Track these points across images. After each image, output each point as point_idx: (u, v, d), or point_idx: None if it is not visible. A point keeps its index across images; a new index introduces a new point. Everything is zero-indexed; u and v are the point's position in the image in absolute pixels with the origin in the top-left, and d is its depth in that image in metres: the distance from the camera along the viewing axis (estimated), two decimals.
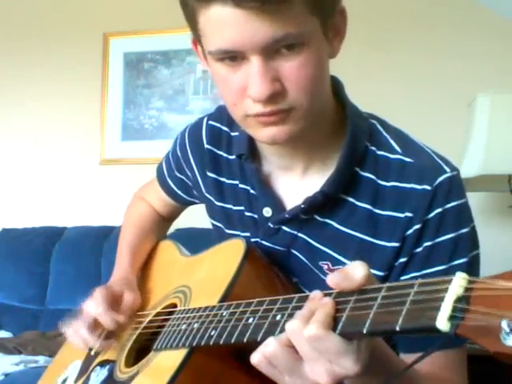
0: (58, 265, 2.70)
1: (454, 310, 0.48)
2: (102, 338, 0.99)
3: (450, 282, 0.50)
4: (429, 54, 2.67)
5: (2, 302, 2.69)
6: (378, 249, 0.80)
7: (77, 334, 0.96)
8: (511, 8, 2.54)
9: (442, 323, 0.48)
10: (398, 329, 0.51)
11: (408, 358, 0.76)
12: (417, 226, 0.78)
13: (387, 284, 0.56)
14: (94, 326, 0.96)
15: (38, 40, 3.08)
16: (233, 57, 0.72)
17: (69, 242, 2.74)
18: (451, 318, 0.48)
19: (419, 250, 0.79)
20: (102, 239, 2.65)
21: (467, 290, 0.48)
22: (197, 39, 0.78)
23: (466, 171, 2.16)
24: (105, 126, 2.99)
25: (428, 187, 0.78)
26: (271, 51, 0.70)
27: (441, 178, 0.79)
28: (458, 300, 0.48)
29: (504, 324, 0.43)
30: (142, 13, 2.95)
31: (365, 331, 0.54)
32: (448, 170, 0.80)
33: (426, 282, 0.52)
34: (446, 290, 0.49)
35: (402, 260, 0.80)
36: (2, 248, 2.77)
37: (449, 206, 0.78)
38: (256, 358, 0.61)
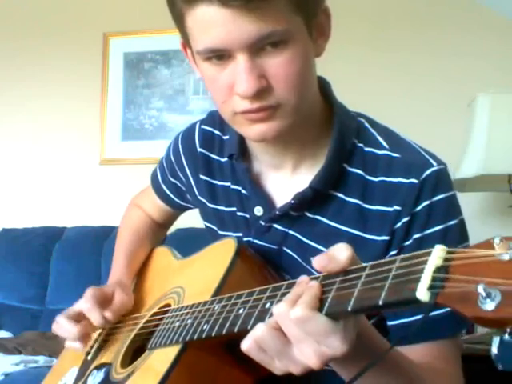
0: (58, 265, 2.70)
1: (434, 279, 0.49)
2: (95, 338, 1.01)
3: (429, 253, 0.51)
4: (429, 54, 2.67)
5: (2, 302, 2.69)
6: (369, 243, 0.81)
7: (61, 328, 0.99)
8: (511, 8, 2.54)
9: (422, 293, 0.49)
10: (380, 303, 0.52)
11: (406, 349, 0.77)
12: (405, 219, 0.79)
13: (371, 263, 0.57)
14: (78, 317, 0.98)
15: (38, 40, 3.08)
16: (220, 56, 0.74)
17: (69, 242, 2.74)
18: (431, 287, 0.49)
19: (409, 242, 0.80)
20: (102, 239, 2.65)
21: (446, 260, 0.49)
22: (185, 41, 0.80)
23: (466, 171, 2.16)
24: (105, 126, 2.99)
25: (415, 180, 0.79)
26: (257, 49, 0.72)
27: (427, 172, 0.80)
28: (438, 270, 0.49)
29: (480, 289, 0.44)
30: (142, 13, 2.95)
31: (349, 309, 0.55)
32: (435, 163, 0.81)
33: (408, 257, 0.53)
34: (425, 262, 0.50)
35: (392, 253, 0.81)
36: (2, 248, 2.77)
37: (436, 198, 0.80)
38: (246, 344, 0.61)
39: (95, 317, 0.97)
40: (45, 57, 3.07)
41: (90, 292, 1.00)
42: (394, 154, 0.83)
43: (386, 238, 0.81)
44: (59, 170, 3.03)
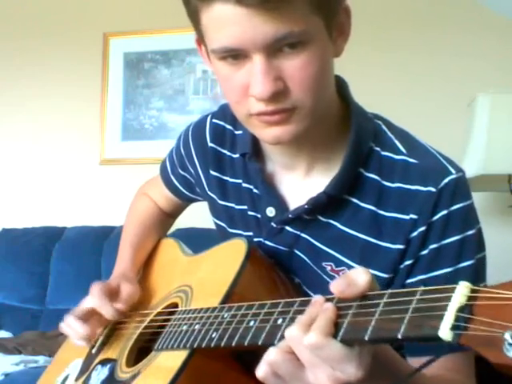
0: (58, 265, 2.70)
1: (457, 319, 0.47)
2: (100, 332, 1.00)
3: (453, 290, 0.49)
4: (429, 54, 2.67)
5: (2, 302, 2.69)
6: (382, 250, 0.80)
7: (70, 328, 0.97)
8: (511, 8, 2.54)
9: (445, 333, 0.47)
10: (399, 337, 0.51)
11: (415, 361, 0.76)
12: (422, 228, 0.77)
13: (390, 290, 0.56)
14: (86, 316, 0.97)
15: (38, 40, 3.08)
16: (235, 55, 0.71)
17: (69, 241, 2.73)
18: (454, 327, 0.47)
19: (425, 252, 0.78)
20: (102, 239, 2.65)
21: (470, 298, 0.48)
22: (200, 38, 0.77)
23: (466, 171, 2.14)
24: (105, 126, 2.99)
25: (433, 189, 0.77)
26: (274, 50, 0.70)
27: (446, 180, 0.78)
28: (461, 309, 0.48)
29: (507, 335, 0.43)
30: (142, 13, 2.95)
31: (366, 338, 0.54)
32: (453, 171, 0.79)
33: (429, 290, 0.52)
34: (449, 299, 0.49)
35: (408, 262, 0.79)
36: (2, 248, 2.77)
37: (454, 207, 0.77)
38: (262, 371, 0.60)
39: (107, 310, 0.96)
40: (45, 57, 3.07)
41: (96, 287, 0.98)
42: (412, 160, 0.80)
43: (401, 246, 0.79)
44: (59, 169, 3.03)
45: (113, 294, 0.99)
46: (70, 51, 3.04)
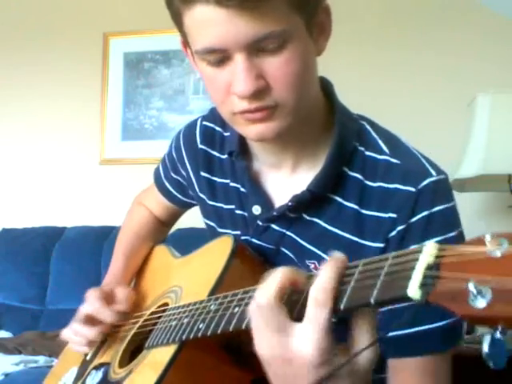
0: (58, 265, 2.70)
1: (425, 277, 0.48)
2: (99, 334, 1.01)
3: (421, 250, 0.50)
4: (429, 54, 2.67)
5: (2, 302, 2.69)
6: (365, 249, 0.80)
7: (77, 334, 0.98)
8: (511, 8, 2.54)
9: (413, 291, 0.48)
10: (372, 301, 0.52)
11: (397, 361, 0.77)
12: (400, 228, 0.78)
13: (363, 260, 0.57)
14: (90, 322, 0.98)
15: (37, 40, 3.08)
16: (218, 56, 0.73)
17: (69, 241, 2.74)
18: (422, 285, 0.48)
19: None
20: (102, 239, 2.65)
21: (438, 257, 0.49)
22: (184, 40, 0.79)
23: (466, 171, 2.15)
24: (105, 125, 2.99)
25: (412, 189, 0.78)
26: (255, 49, 0.71)
27: (425, 181, 0.78)
28: (429, 268, 0.48)
29: (471, 286, 0.44)
30: (142, 13, 2.95)
31: (342, 307, 0.55)
32: (434, 173, 0.79)
33: (400, 254, 0.53)
34: (417, 259, 0.50)
35: None
36: (2, 248, 2.77)
37: (435, 209, 0.78)
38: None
39: (107, 314, 0.97)
40: (45, 57, 3.07)
41: (92, 294, 1.00)
42: (394, 160, 0.81)
43: (381, 245, 0.79)
44: (59, 169, 3.03)
45: (108, 298, 1.01)
46: (70, 51, 3.04)
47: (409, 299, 0.49)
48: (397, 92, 2.69)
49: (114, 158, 2.98)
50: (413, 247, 0.52)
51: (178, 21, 0.76)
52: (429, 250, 0.50)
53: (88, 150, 3.00)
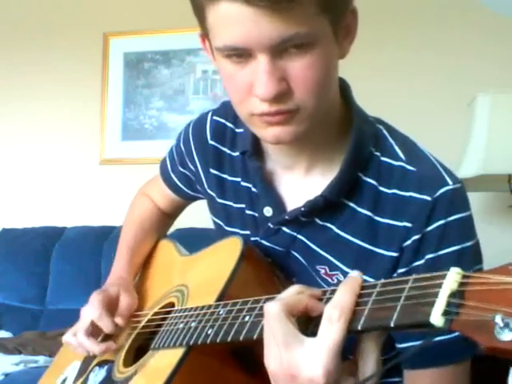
0: (57, 265, 2.69)
1: (448, 305, 0.47)
2: (100, 341, 1.00)
3: (444, 276, 0.49)
4: (429, 54, 2.67)
5: (2, 302, 2.69)
6: (377, 257, 0.79)
7: (81, 346, 0.97)
8: (511, 8, 2.54)
9: (436, 318, 0.47)
10: (392, 325, 0.51)
11: (415, 373, 0.76)
12: (415, 237, 0.76)
13: (382, 280, 0.56)
14: (93, 330, 0.97)
15: (37, 40, 3.08)
16: (240, 54, 0.71)
17: (69, 241, 2.73)
18: (445, 313, 0.47)
19: (421, 262, 0.77)
20: (102, 239, 2.65)
21: (462, 284, 0.48)
22: (205, 34, 0.77)
23: (466, 171, 2.16)
24: (105, 125, 2.99)
25: (428, 197, 0.76)
26: (279, 50, 0.69)
27: (442, 190, 0.77)
28: (453, 295, 0.48)
29: (498, 319, 0.43)
30: (142, 13, 2.95)
31: (359, 328, 0.54)
32: (450, 182, 0.78)
33: (421, 278, 0.52)
34: (440, 285, 0.49)
35: (401, 271, 0.78)
36: (2, 248, 2.77)
37: (451, 218, 0.76)
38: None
39: (106, 324, 0.96)
40: (45, 57, 3.07)
41: (96, 298, 0.98)
42: (410, 167, 0.79)
43: (395, 254, 0.78)
44: (59, 169, 3.03)
45: (112, 305, 0.99)
46: (70, 51, 3.04)
47: (431, 326, 0.48)
48: (396, 92, 2.69)
49: (113, 158, 2.97)
50: (435, 273, 0.51)
51: (200, 15, 0.73)
52: (453, 277, 0.49)
53: (88, 150, 3.00)
